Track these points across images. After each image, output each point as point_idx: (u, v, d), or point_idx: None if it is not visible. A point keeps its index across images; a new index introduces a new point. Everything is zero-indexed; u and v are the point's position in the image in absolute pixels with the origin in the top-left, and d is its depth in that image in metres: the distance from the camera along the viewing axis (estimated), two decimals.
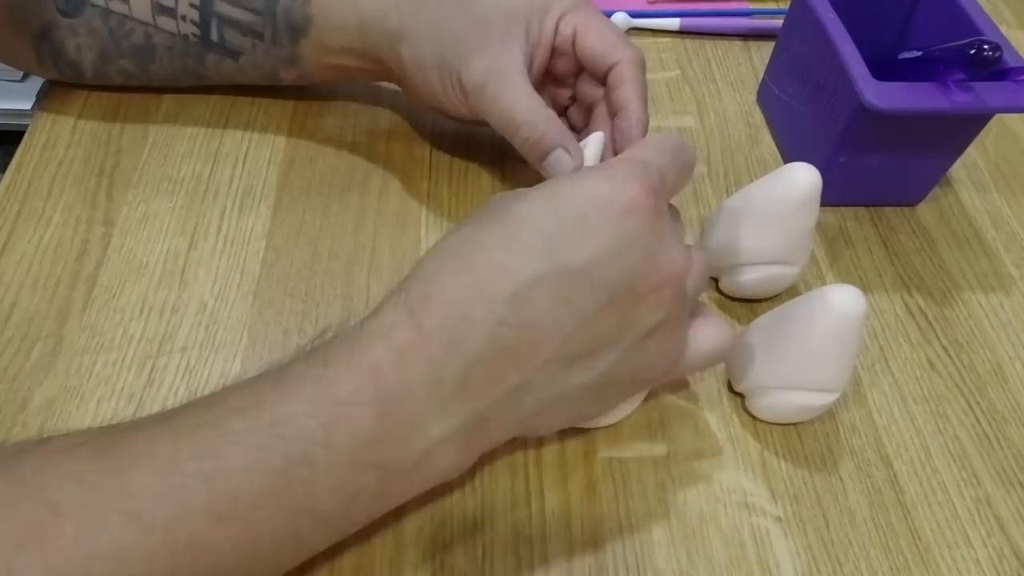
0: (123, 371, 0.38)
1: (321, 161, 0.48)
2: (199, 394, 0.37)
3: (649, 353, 0.30)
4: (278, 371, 0.28)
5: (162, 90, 0.50)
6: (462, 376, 0.27)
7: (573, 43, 0.39)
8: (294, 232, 0.44)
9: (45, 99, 0.50)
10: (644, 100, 0.38)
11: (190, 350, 0.39)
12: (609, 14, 0.57)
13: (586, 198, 0.28)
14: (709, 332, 0.32)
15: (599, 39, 0.38)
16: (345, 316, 0.41)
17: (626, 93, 0.37)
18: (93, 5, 0.43)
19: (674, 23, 0.57)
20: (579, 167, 0.36)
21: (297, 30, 0.42)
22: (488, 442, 0.30)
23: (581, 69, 0.41)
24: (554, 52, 0.40)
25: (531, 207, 0.28)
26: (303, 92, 0.51)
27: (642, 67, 0.38)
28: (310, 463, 0.26)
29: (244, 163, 0.47)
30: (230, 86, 0.51)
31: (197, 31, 0.43)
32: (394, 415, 0.27)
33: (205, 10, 0.42)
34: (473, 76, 0.37)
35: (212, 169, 0.47)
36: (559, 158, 0.36)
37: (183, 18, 0.43)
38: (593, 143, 0.38)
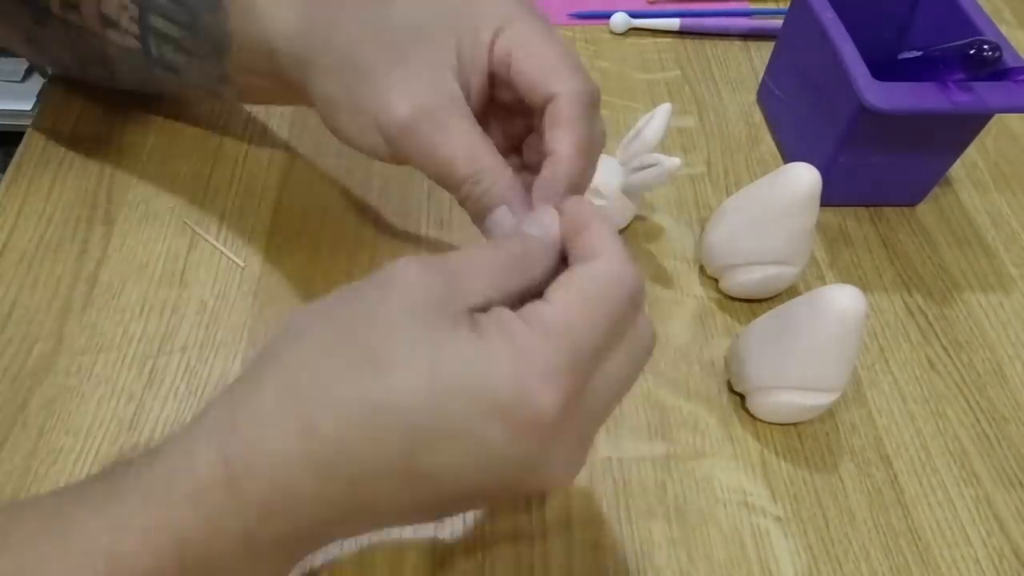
0: (123, 371, 0.38)
1: (321, 161, 0.48)
2: (199, 394, 0.37)
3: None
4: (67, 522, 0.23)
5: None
6: (279, 543, 0.23)
7: (508, 67, 0.29)
8: (294, 232, 0.44)
9: (45, 99, 0.50)
10: (582, 149, 0.28)
11: (190, 350, 0.39)
12: (609, 14, 0.57)
13: (478, 396, 0.21)
14: None
15: (535, 64, 0.28)
16: None
17: (558, 137, 0.28)
18: (53, 15, 0.41)
19: (674, 23, 0.57)
20: (521, 230, 0.27)
21: (221, 48, 0.37)
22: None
23: None
24: (495, 78, 0.30)
25: (412, 387, 0.21)
26: None
27: (589, 104, 0.28)
28: None
29: (244, 163, 0.47)
30: None
31: (139, 45, 0.40)
32: None
33: (143, 24, 0.39)
34: (396, 119, 0.29)
35: (212, 169, 0.47)
36: (500, 219, 0.29)
37: (126, 31, 0.40)
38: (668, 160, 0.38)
